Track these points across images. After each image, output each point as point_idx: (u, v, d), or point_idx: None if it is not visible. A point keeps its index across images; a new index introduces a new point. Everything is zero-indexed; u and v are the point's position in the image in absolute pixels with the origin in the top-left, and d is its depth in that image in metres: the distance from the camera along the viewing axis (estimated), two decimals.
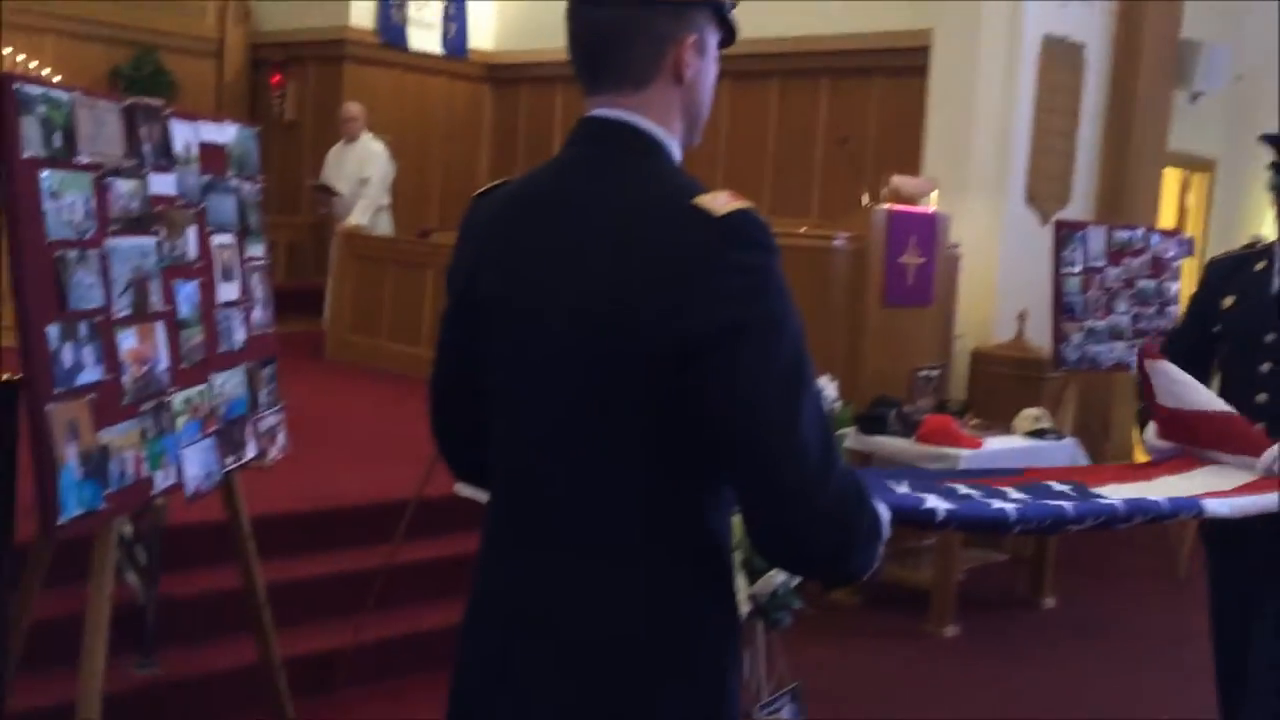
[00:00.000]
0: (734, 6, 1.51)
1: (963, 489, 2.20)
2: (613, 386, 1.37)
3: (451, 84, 10.59)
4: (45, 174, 2.30)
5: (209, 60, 10.52)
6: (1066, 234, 5.85)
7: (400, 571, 4.04)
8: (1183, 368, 2.99)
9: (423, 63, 10.32)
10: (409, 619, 4.12)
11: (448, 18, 10.37)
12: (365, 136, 8.38)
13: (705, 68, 1.49)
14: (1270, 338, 2.81)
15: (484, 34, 10.63)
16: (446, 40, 10.38)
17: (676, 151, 1.49)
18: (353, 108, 8.46)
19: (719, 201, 1.35)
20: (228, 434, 2.92)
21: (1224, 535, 2.84)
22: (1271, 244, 2.95)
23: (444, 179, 10.57)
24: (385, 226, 8.49)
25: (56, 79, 7.95)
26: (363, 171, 8.27)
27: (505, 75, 10.63)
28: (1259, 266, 2.93)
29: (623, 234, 1.37)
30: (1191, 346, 3.03)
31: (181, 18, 10.37)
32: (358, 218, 8.20)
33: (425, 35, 10.24)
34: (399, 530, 3.86)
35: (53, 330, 2.28)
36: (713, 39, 1.49)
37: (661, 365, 1.34)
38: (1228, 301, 2.93)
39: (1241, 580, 2.84)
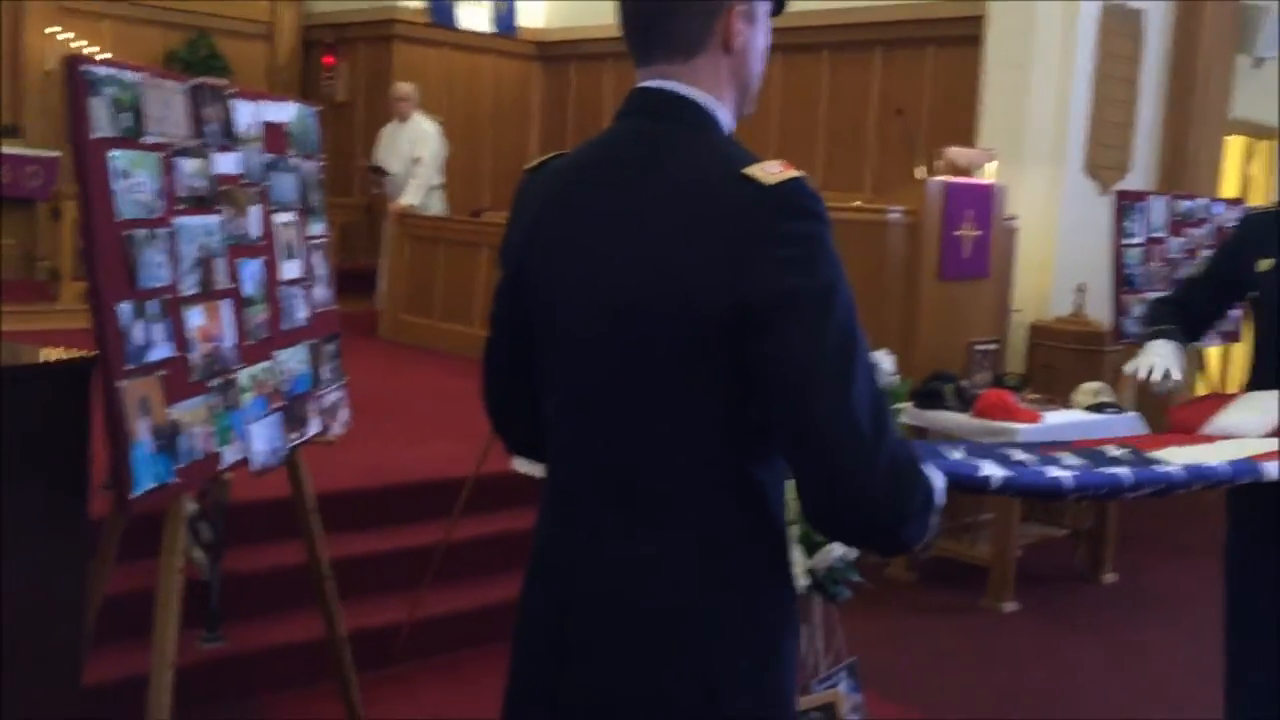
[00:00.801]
0: None
1: (1018, 454, 2.18)
2: (666, 357, 1.38)
3: (501, 62, 10.60)
4: (114, 154, 2.34)
5: (261, 42, 10.62)
6: (1127, 205, 5.75)
7: (459, 547, 4.07)
8: (1189, 316, 2.97)
9: (472, 41, 10.34)
10: (467, 594, 4.15)
11: None
12: (417, 116, 8.41)
13: (755, 36, 1.48)
14: None
15: (533, 11, 10.62)
16: (496, 18, 10.39)
17: (729, 121, 1.48)
18: (404, 87, 8.49)
19: (770, 171, 1.35)
20: (292, 410, 2.95)
21: (1254, 509, 2.76)
22: None
23: (494, 158, 10.60)
24: (438, 206, 8.53)
25: None
26: (415, 151, 8.30)
27: (554, 53, 10.62)
28: None
29: (675, 204, 1.37)
30: (1205, 299, 2.96)
31: (234, 1, 10.46)
32: (410, 198, 8.25)
33: (475, 13, 10.26)
34: (457, 506, 3.89)
35: (124, 308, 2.32)
36: (762, 7, 1.48)
37: (714, 335, 1.34)
38: (1265, 265, 2.79)
39: (1269, 556, 2.76)
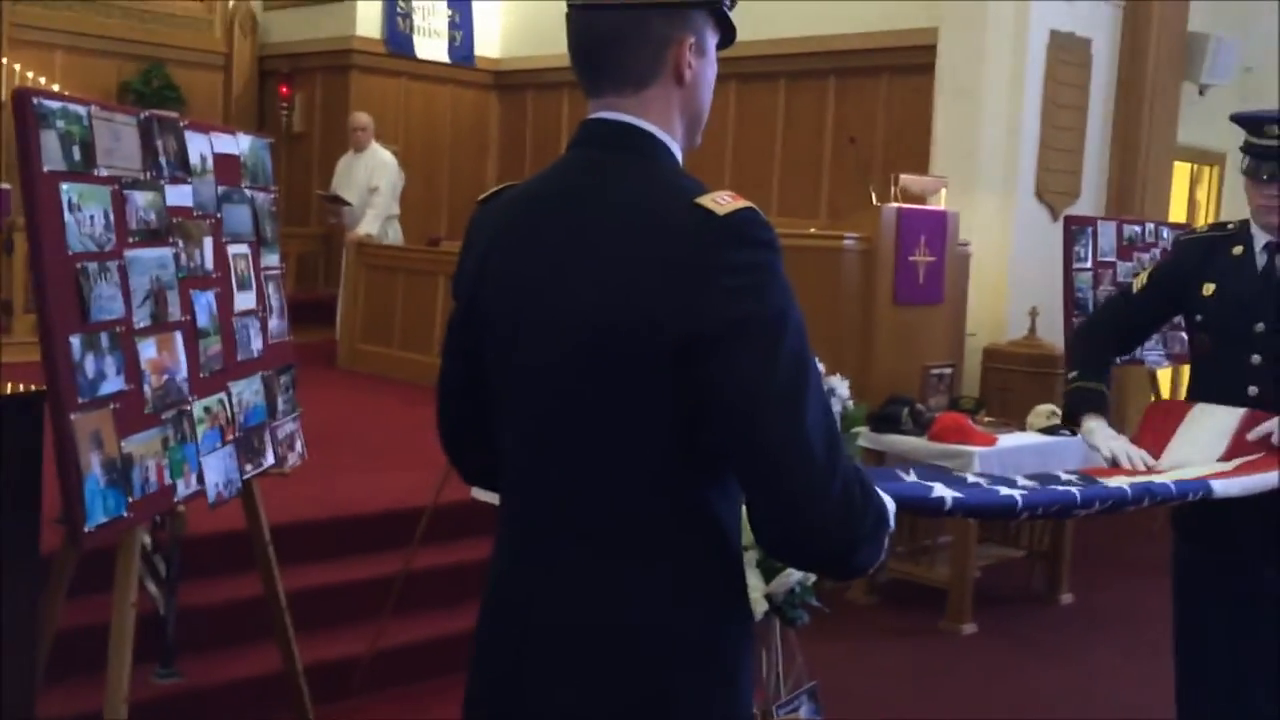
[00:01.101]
0: (732, 6, 1.52)
1: (970, 477, 2.22)
2: (618, 386, 1.39)
3: (458, 92, 10.63)
4: (65, 187, 2.33)
5: (217, 73, 10.59)
6: (1077, 229, 5.85)
7: (417, 577, 4.05)
8: (1125, 333, 3.02)
9: (429, 71, 10.36)
10: (427, 624, 4.13)
11: (453, 26, 10.41)
12: (374, 146, 8.42)
13: (704, 69, 1.50)
14: (1260, 328, 2.72)
15: (489, 41, 10.67)
16: (453, 48, 10.42)
17: (678, 152, 1.50)
18: (361, 117, 8.49)
19: (721, 201, 1.37)
20: (247, 441, 2.94)
21: (1199, 522, 2.80)
22: (1245, 224, 2.85)
23: (452, 187, 10.61)
24: (395, 235, 8.52)
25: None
26: (372, 181, 8.30)
27: (511, 82, 10.66)
28: (1236, 251, 2.83)
29: (626, 234, 1.39)
30: (1150, 316, 3.00)
31: (189, 31, 10.43)
32: (367, 227, 8.23)
33: (432, 44, 10.29)
34: (416, 536, 3.87)
35: (75, 341, 2.30)
36: (711, 40, 1.50)
37: (666, 364, 1.35)
38: (1208, 289, 2.82)
39: (1216, 568, 2.80)
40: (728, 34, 1.53)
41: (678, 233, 1.36)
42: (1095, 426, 2.81)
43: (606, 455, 1.41)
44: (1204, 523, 2.80)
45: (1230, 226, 2.92)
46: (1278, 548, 2.69)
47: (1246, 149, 2.81)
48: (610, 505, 1.42)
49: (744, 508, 1.43)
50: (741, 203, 1.37)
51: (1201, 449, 2.63)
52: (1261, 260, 2.80)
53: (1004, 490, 2.10)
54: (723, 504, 1.45)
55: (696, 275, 1.34)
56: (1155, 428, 2.77)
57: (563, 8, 1.50)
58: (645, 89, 1.46)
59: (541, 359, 1.44)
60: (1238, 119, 2.86)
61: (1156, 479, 2.35)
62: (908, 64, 7.75)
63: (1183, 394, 3.08)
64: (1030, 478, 2.31)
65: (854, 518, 1.35)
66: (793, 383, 1.33)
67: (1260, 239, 2.81)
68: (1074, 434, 5.11)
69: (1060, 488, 2.19)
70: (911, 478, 2.06)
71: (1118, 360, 3.08)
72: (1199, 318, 2.84)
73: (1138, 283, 3.03)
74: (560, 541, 1.45)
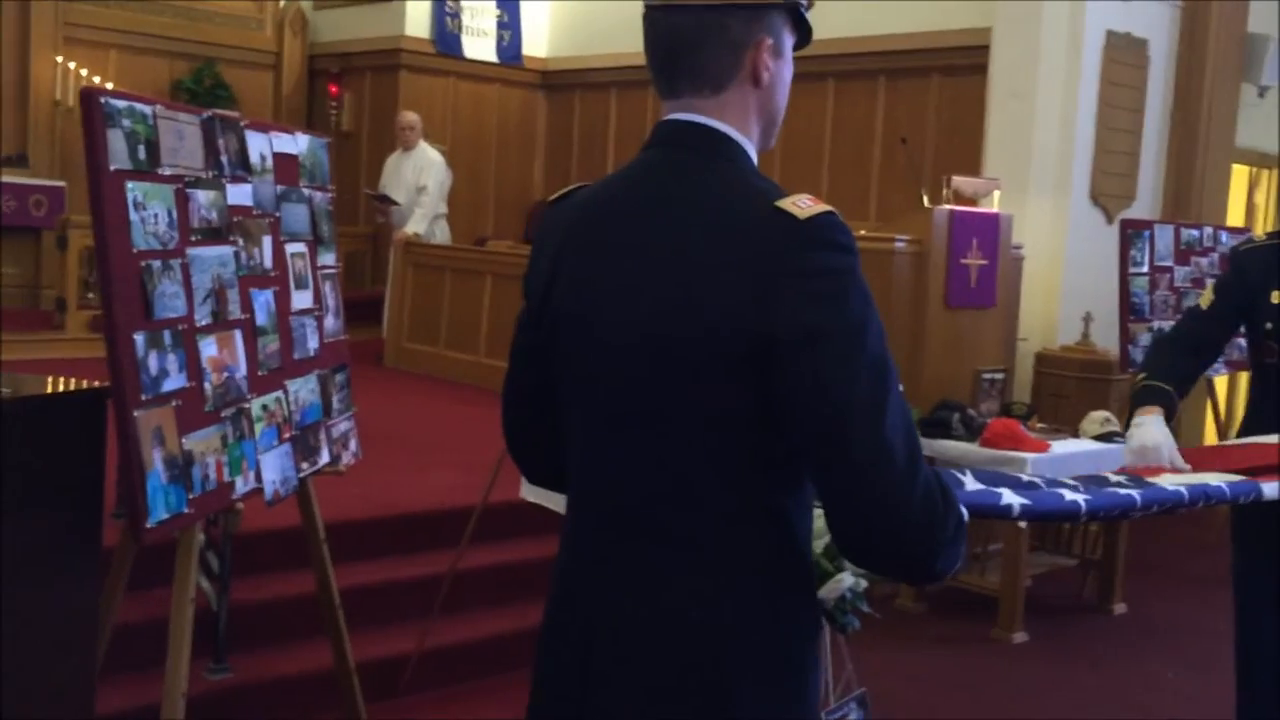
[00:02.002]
0: (810, 7, 1.51)
1: (1025, 476, 2.22)
2: (694, 389, 1.38)
3: (506, 91, 10.66)
4: (131, 185, 2.35)
5: (267, 72, 10.68)
6: (1133, 233, 5.77)
7: (466, 577, 4.06)
8: (1200, 350, 2.93)
9: (477, 71, 10.40)
10: (475, 624, 4.13)
11: (501, 25, 10.44)
12: (422, 145, 8.45)
13: (781, 70, 1.49)
14: None
15: (537, 41, 10.69)
16: (501, 48, 10.45)
17: (754, 154, 1.49)
18: (409, 116, 8.53)
19: (802, 204, 1.36)
20: (303, 440, 2.95)
21: (1259, 531, 2.76)
22: None
23: (499, 186, 10.64)
24: (442, 235, 8.55)
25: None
26: (420, 180, 8.33)
27: (559, 82, 10.68)
28: None
29: (704, 237, 1.38)
30: (1220, 331, 2.93)
31: (240, 30, 10.54)
32: (415, 226, 8.27)
33: (480, 43, 10.32)
34: (465, 536, 3.88)
35: (139, 338, 2.32)
36: (788, 41, 1.49)
37: (743, 367, 1.34)
38: (1278, 296, 2.79)
39: (1277, 581, 2.75)
40: (804, 35, 1.52)
41: (758, 236, 1.35)
42: (1144, 420, 2.64)
43: (679, 458, 1.41)
44: (1262, 534, 2.75)
45: None
46: None
47: None
48: (682, 508, 1.41)
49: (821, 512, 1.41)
50: (822, 206, 1.36)
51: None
52: None
53: (1068, 495, 2.09)
54: (795, 510, 1.45)
55: (777, 279, 1.33)
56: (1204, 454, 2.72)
57: (610, 8, 1.50)
58: (723, 90, 1.45)
59: (615, 360, 1.43)
60: None
61: (1211, 480, 2.33)
62: (959, 64, 7.68)
63: (1240, 401, 3.02)
64: (1079, 479, 2.31)
65: (935, 523, 1.34)
66: (874, 389, 1.32)
67: None
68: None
69: (1122, 491, 2.19)
70: (969, 479, 2.07)
71: (1194, 377, 2.99)
72: (1269, 325, 2.81)
73: (1204, 299, 2.99)
74: (629, 541, 1.45)
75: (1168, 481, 2.34)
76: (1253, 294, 2.84)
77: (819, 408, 1.32)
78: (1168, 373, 2.83)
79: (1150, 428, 2.61)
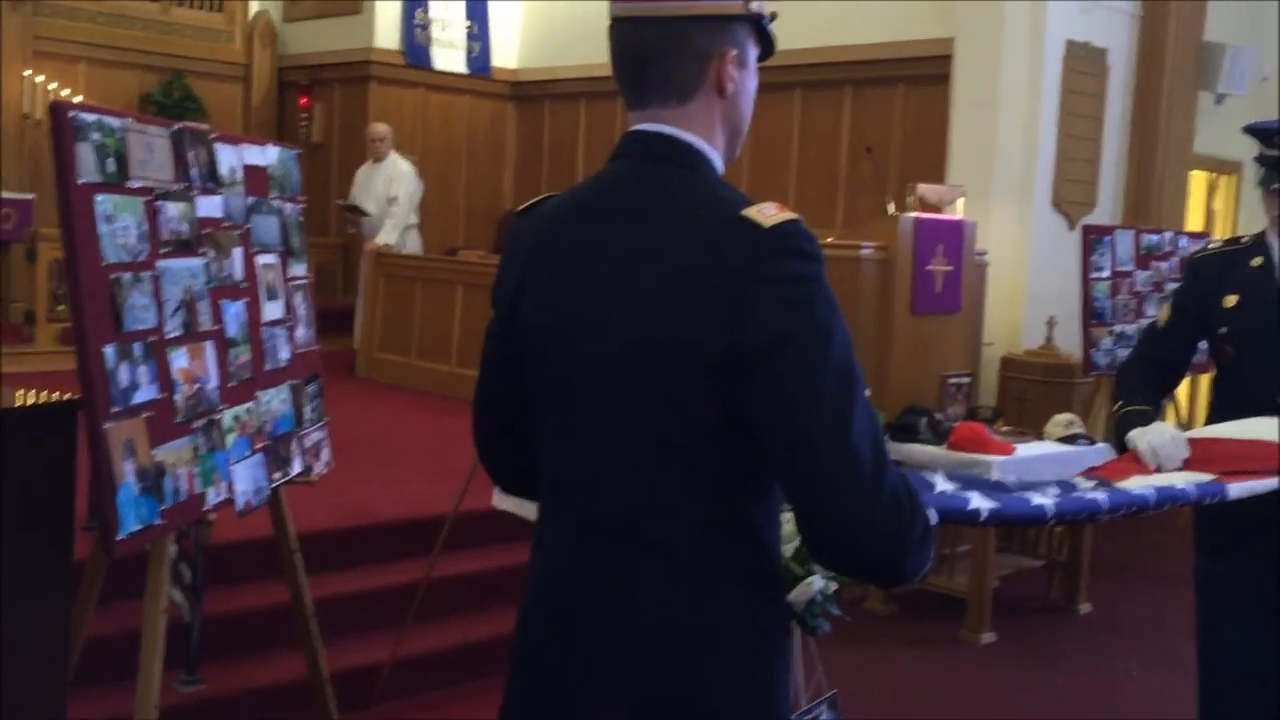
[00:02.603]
0: (773, 20, 1.53)
1: (995, 475, 2.26)
2: (663, 398, 1.40)
3: (476, 102, 10.68)
4: (100, 198, 2.36)
5: (236, 84, 10.66)
6: (1094, 239, 5.86)
7: (438, 585, 4.07)
8: (1165, 367, 2.95)
9: (447, 82, 10.41)
10: (448, 631, 4.15)
11: (471, 37, 10.46)
12: (393, 156, 8.46)
13: (746, 80, 1.51)
14: None
15: (507, 52, 10.71)
16: (470, 59, 10.47)
17: (720, 164, 1.51)
18: (380, 128, 8.54)
19: (767, 213, 1.38)
20: (275, 450, 2.97)
21: (1222, 535, 2.79)
22: (1261, 236, 2.87)
23: (469, 197, 10.65)
24: (413, 245, 8.56)
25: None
26: (390, 191, 8.34)
27: (528, 93, 10.71)
28: (1255, 262, 2.84)
29: (671, 246, 1.40)
30: (1182, 345, 2.95)
31: (209, 43, 10.51)
32: (386, 237, 8.28)
33: (449, 55, 10.34)
34: (438, 544, 3.89)
35: (109, 350, 2.34)
36: (752, 52, 1.52)
37: (711, 376, 1.36)
38: (1230, 301, 2.82)
39: (1238, 584, 2.79)
40: (767, 46, 1.54)
41: (723, 245, 1.37)
42: (1144, 430, 2.61)
43: (649, 465, 1.42)
44: (1225, 537, 2.80)
45: (1244, 240, 2.94)
46: None
47: (1261, 160, 2.83)
48: (653, 515, 1.43)
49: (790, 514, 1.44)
50: (787, 214, 1.38)
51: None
52: None
53: (1035, 500, 2.14)
54: (764, 515, 1.47)
55: (743, 288, 1.35)
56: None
57: (580, 19, 1.53)
58: (688, 101, 1.47)
59: (588, 368, 1.45)
60: (1251, 130, 2.87)
61: (1178, 481, 2.38)
62: (923, 74, 7.76)
63: (1203, 404, 3.06)
64: (1049, 484, 2.35)
65: (903, 526, 1.37)
66: (841, 395, 1.34)
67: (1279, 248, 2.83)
68: (1093, 443, 5.16)
69: (1088, 495, 2.23)
70: (940, 480, 2.11)
71: (1166, 393, 3.02)
72: (1223, 329, 2.84)
73: (1162, 316, 3.01)
74: (601, 545, 1.46)
75: (1135, 484, 2.38)
76: (1206, 299, 2.88)
77: (786, 414, 1.34)
78: (1142, 396, 2.85)
79: (1158, 428, 2.60)
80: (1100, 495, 2.22)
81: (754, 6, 1.48)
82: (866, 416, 1.37)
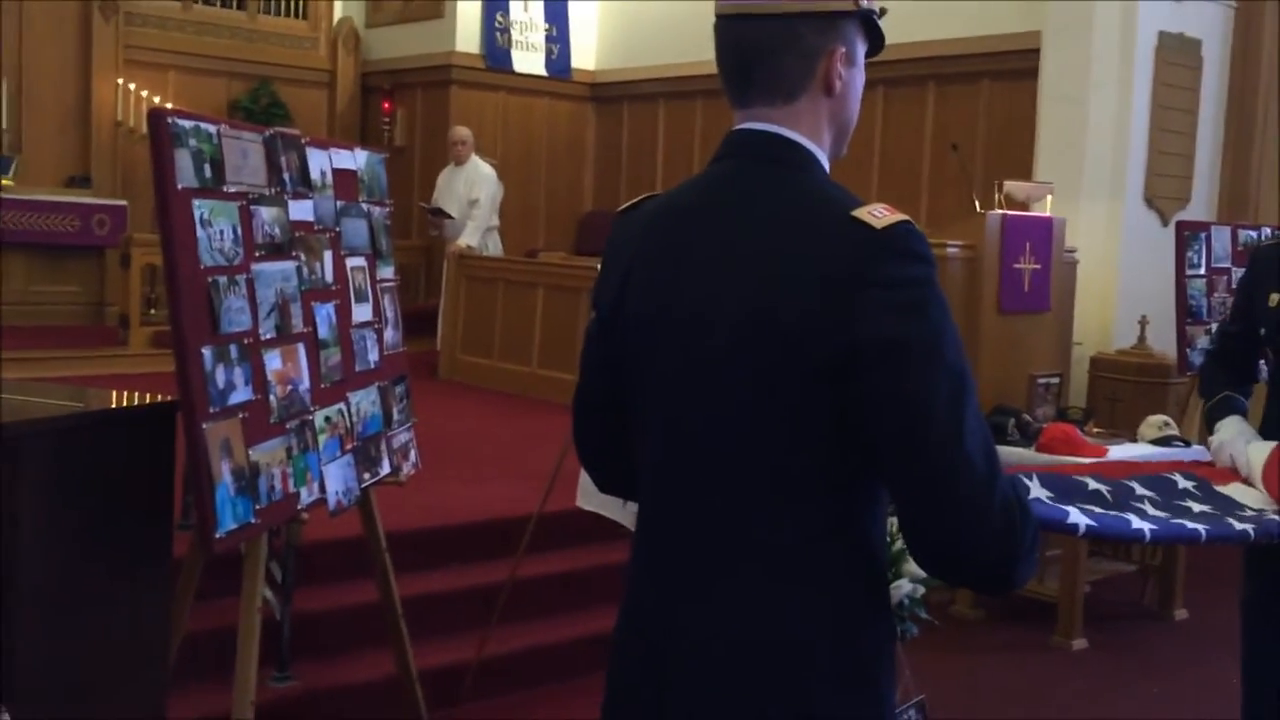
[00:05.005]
0: (882, 15, 1.49)
1: (1091, 484, 2.23)
2: (771, 399, 1.37)
3: (555, 104, 10.74)
4: (197, 203, 2.41)
5: (321, 90, 10.85)
6: (1189, 235, 5.70)
7: (523, 586, 4.09)
8: (1233, 365, 2.78)
9: (527, 84, 10.48)
10: (533, 632, 4.17)
11: (550, 39, 10.53)
12: (474, 159, 8.53)
13: (854, 78, 1.48)
14: None
15: (586, 54, 10.76)
16: (550, 62, 10.54)
17: (826, 163, 1.48)
18: (461, 131, 8.62)
19: (877, 214, 1.34)
20: (365, 451, 3.01)
21: (1265, 554, 2.58)
22: None
23: (549, 199, 10.72)
24: (494, 247, 8.63)
25: None
26: (472, 193, 8.42)
27: (608, 94, 10.74)
28: None
29: (780, 247, 1.37)
30: (1243, 343, 2.73)
31: (295, 50, 10.72)
32: (468, 239, 8.36)
33: (529, 58, 10.41)
34: (521, 545, 3.91)
35: (207, 352, 2.38)
36: (861, 49, 1.48)
37: (820, 379, 1.33)
38: (1275, 299, 2.60)
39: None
40: (877, 42, 1.50)
41: (834, 247, 1.34)
42: (1227, 423, 2.59)
43: (754, 469, 1.39)
44: (1269, 559, 2.61)
45: None
46: None
47: None
48: (756, 519, 1.40)
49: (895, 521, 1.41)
50: (898, 216, 1.35)
51: None
52: None
53: (1135, 522, 2.14)
54: (869, 520, 1.43)
55: (855, 291, 1.31)
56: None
57: (658, 20, 1.50)
58: (795, 100, 1.44)
59: (689, 372, 1.42)
60: None
61: (1273, 517, 2.32)
62: (1009, 69, 7.63)
63: (1255, 410, 2.89)
64: (1148, 484, 2.30)
65: (1014, 532, 1.33)
66: (954, 398, 1.31)
67: None
68: (1187, 445, 5.02)
69: (1189, 525, 2.21)
70: (1035, 485, 2.09)
71: (1250, 379, 2.88)
72: (1262, 331, 2.64)
73: (1229, 312, 2.88)
74: (704, 551, 1.43)
75: (1236, 493, 2.33)
76: (1254, 295, 2.67)
77: (899, 418, 1.31)
78: (1225, 384, 2.73)
79: (1225, 428, 2.57)
80: (1200, 526, 2.20)
81: (864, 3, 1.45)
82: (978, 420, 1.33)
